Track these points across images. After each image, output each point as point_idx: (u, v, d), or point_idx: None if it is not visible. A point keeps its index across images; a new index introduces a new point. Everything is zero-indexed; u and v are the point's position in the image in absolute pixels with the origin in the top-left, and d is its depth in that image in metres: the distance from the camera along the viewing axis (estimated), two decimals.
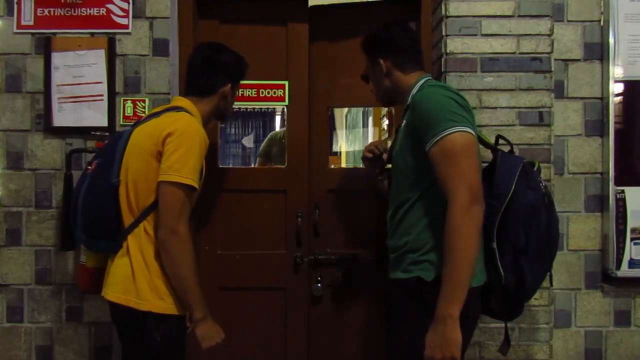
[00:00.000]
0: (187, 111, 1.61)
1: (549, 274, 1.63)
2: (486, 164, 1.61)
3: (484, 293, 1.48)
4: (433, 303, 1.34)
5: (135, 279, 1.50)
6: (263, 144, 2.89)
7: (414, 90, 1.54)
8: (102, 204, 1.53)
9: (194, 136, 1.51)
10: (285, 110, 2.23)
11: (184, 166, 1.47)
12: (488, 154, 1.63)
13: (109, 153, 1.58)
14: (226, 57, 1.72)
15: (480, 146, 1.56)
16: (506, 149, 1.64)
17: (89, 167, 1.60)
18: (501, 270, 1.44)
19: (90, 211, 1.55)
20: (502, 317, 1.60)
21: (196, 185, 1.51)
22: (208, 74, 1.68)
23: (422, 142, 1.41)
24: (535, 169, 1.56)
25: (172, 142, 1.48)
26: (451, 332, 1.30)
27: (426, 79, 1.57)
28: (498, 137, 1.69)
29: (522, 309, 1.58)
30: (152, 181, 1.51)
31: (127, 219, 1.53)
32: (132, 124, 1.91)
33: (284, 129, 2.30)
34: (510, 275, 1.46)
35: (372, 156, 1.85)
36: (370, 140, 2.90)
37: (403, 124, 1.56)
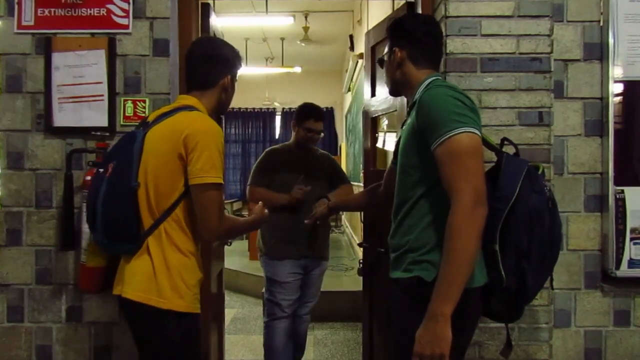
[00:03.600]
0: (197, 109, 1.62)
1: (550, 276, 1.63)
2: (491, 165, 1.60)
3: (485, 295, 1.48)
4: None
5: (157, 278, 1.51)
6: (262, 160, 2.95)
7: (421, 89, 1.53)
8: (123, 207, 1.54)
9: (215, 135, 1.54)
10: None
11: (213, 167, 1.51)
12: (490, 154, 1.63)
13: (125, 156, 1.57)
14: (224, 49, 1.73)
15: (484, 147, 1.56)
16: (511, 151, 1.63)
17: (101, 170, 1.60)
18: (502, 273, 1.44)
19: (110, 215, 1.55)
20: (503, 319, 1.60)
21: (222, 182, 1.55)
22: (208, 67, 1.68)
23: (428, 141, 1.40)
24: (539, 172, 1.55)
25: (198, 145, 1.50)
26: (442, 329, 1.30)
27: (434, 78, 1.56)
28: (503, 139, 1.68)
29: (522, 311, 1.58)
30: (173, 182, 1.52)
31: (147, 221, 1.54)
32: (133, 124, 1.92)
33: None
34: (512, 277, 1.45)
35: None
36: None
37: (408, 122, 1.55)
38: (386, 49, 1.69)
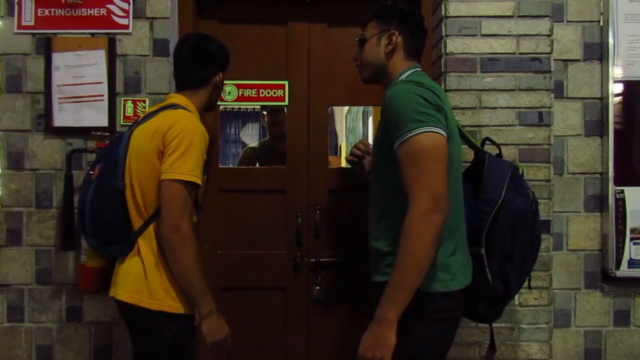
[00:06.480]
0: (183, 107, 1.60)
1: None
2: (468, 165, 1.59)
3: (471, 298, 1.45)
4: (408, 306, 1.29)
5: (148, 279, 1.51)
6: (240, 157, 2.90)
7: (399, 80, 1.44)
8: (111, 209, 1.53)
9: (194, 133, 1.51)
10: (285, 110, 2.23)
11: (185, 164, 1.47)
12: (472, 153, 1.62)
13: (111, 157, 1.57)
14: (214, 46, 1.70)
15: (465, 146, 1.53)
16: (493, 151, 1.61)
17: (92, 172, 1.59)
18: (489, 277, 1.43)
19: (98, 217, 1.54)
20: (483, 320, 1.59)
21: (198, 182, 1.50)
22: (199, 65, 1.66)
23: (392, 141, 1.34)
24: (520, 173, 1.53)
25: (173, 141, 1.48)
26: (385, 334, 1.26)
27: (412, 71, 1.47)
28: (485, 139, 1.66)
29: (502, 312, 1.57)
30: (157, 181, 1.50)
31: (136, 222, 1.53)
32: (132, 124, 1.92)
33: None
34: (497, 281, 1.45)
35: (356, 159, 1.77)
36: (371, 140, 2.89)
37: (380, 119, 1.47)
38: (375, 30, 1.51)
